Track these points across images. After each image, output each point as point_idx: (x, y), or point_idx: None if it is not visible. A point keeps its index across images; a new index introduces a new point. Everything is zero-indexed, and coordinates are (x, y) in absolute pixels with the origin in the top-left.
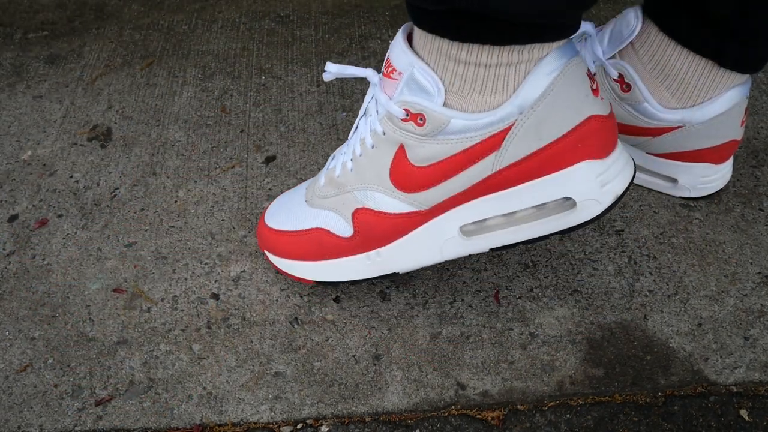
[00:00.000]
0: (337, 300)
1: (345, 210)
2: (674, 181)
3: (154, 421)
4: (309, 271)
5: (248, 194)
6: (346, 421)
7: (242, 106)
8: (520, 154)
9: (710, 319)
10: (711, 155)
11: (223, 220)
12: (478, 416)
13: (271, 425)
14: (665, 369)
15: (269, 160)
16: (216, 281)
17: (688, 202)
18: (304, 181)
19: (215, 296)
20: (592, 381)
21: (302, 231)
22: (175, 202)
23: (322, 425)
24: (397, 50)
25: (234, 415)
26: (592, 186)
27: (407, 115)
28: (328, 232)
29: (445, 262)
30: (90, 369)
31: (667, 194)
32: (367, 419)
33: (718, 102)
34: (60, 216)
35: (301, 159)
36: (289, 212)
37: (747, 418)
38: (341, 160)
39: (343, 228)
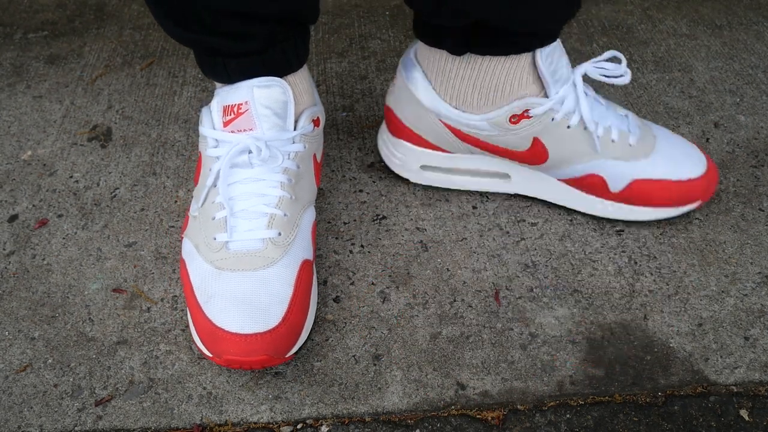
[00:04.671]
0: (337, 300)
1: None
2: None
3: (154, 421)
4: None
5: None
6: (346, 421)
7: None
8: None
9: (710, 319)
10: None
11: None
12: (478, 416)
13: (271, 425)
14: (665, 369)
15: None
16: None
17: None
18: None
19: None
20: (592, 381)
21: None
22: (175, 202)
23: (322, 425)
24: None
25: (234, 415)
26: None
27: None
28: None
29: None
30: (90, 369)
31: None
32: (367, 419)
33: None
34: (60, 216)
35: None
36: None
37: (747, 418)
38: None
39: None
